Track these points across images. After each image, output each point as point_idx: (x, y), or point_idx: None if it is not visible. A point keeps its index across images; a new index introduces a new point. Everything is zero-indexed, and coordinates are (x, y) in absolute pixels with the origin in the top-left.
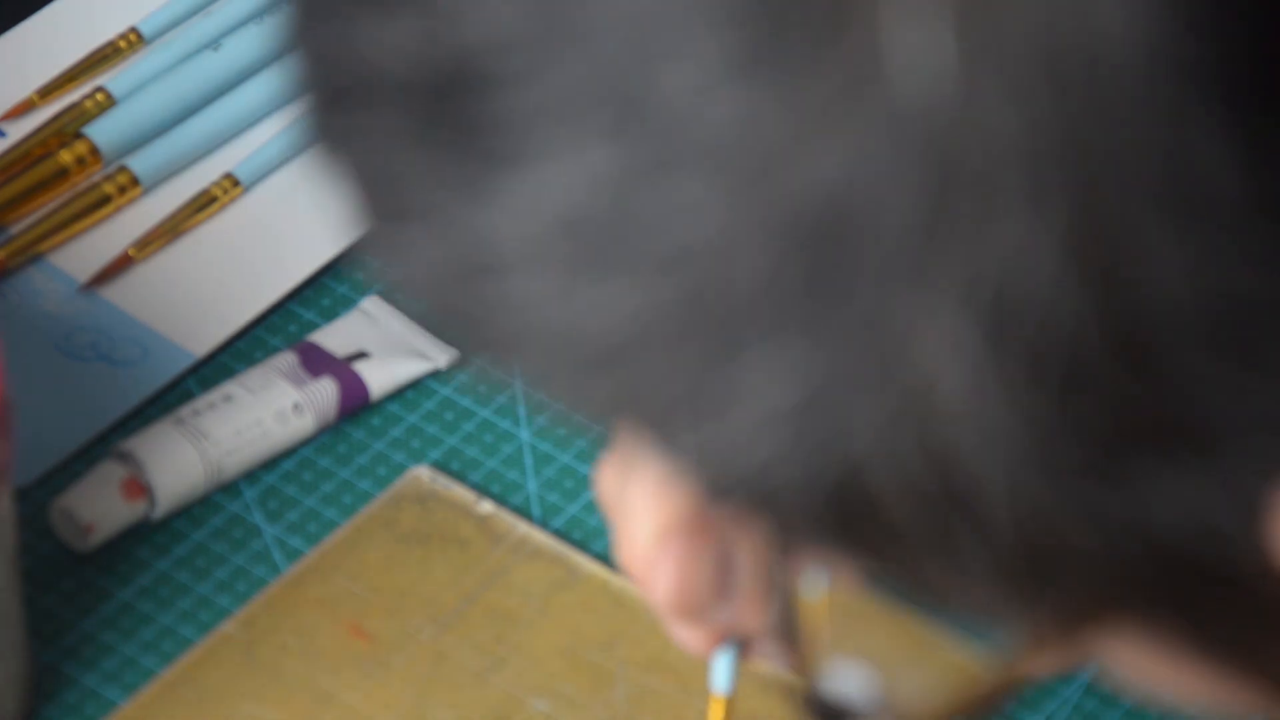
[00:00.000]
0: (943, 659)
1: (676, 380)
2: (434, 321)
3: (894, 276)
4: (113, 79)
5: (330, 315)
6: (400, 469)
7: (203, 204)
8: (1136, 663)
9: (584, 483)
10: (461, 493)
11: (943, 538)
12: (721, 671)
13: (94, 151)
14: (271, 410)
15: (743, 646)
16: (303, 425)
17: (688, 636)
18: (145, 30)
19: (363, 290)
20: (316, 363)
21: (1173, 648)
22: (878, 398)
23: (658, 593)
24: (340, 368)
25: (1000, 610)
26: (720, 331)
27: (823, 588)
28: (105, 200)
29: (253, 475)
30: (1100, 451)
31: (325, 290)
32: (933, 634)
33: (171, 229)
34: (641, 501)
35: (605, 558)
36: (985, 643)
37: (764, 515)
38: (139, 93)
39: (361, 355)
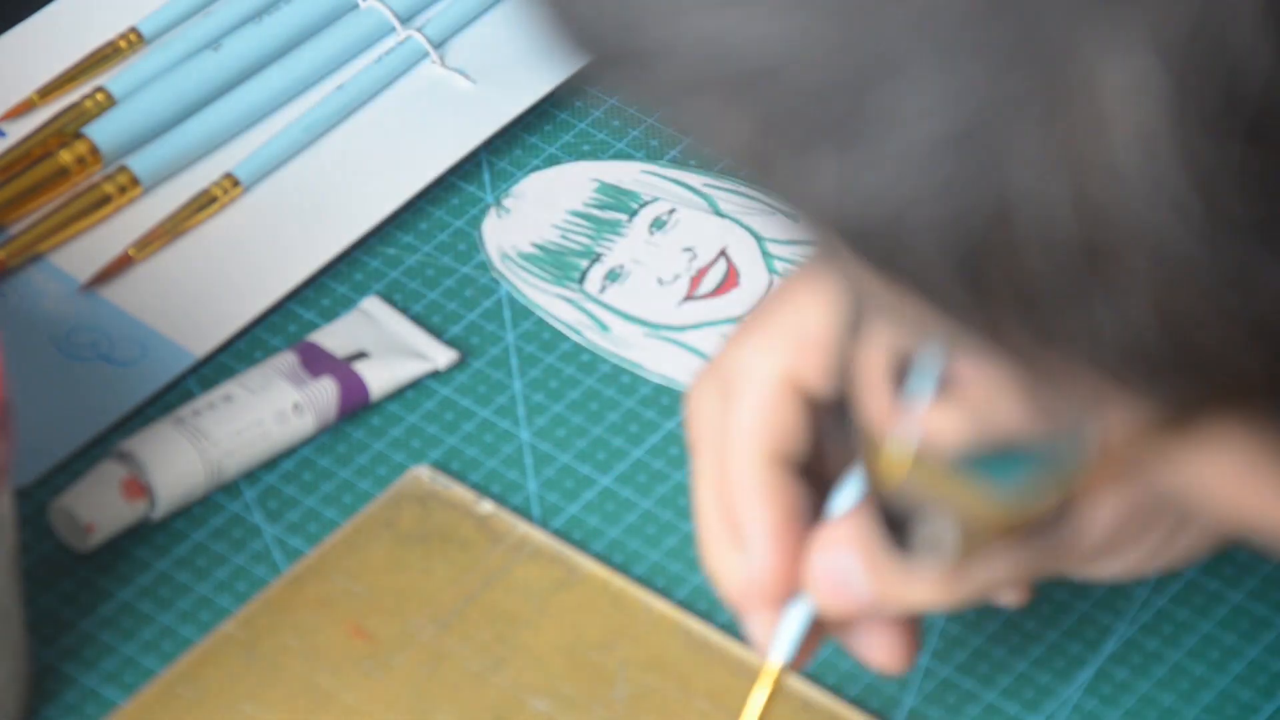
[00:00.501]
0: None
1: (827, 102)
2: (581, 25)
3: (1084, 4)
4: (113, 79)
5: (330, 315)
6: (400, 469)
7: (203, 204)
8: (1218, 481)
9: (584, 483)
10: (461, 493)
11: (1077, 301)
12: (788, 631)
13: (94, 151)
14: (271, 410)
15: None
16: (303, 425)
17: (771, 574)
18: (145, 30)
19: (363, 290)
20: (316, 363)
21: (1271, 464)
22: (1043, 134)
23: (754, 523)
24: (340, 368)
25: (1106, 399)
26: (881, 48)
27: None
28: (105, 200)
29: (253, 475)
30: (1267, 213)
31: (325, 290)
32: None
33: (171, 229)
34: (744, 422)
35: (605, 558)
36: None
37: (893, 269)
38: (139, 93)
39: (361, 355)
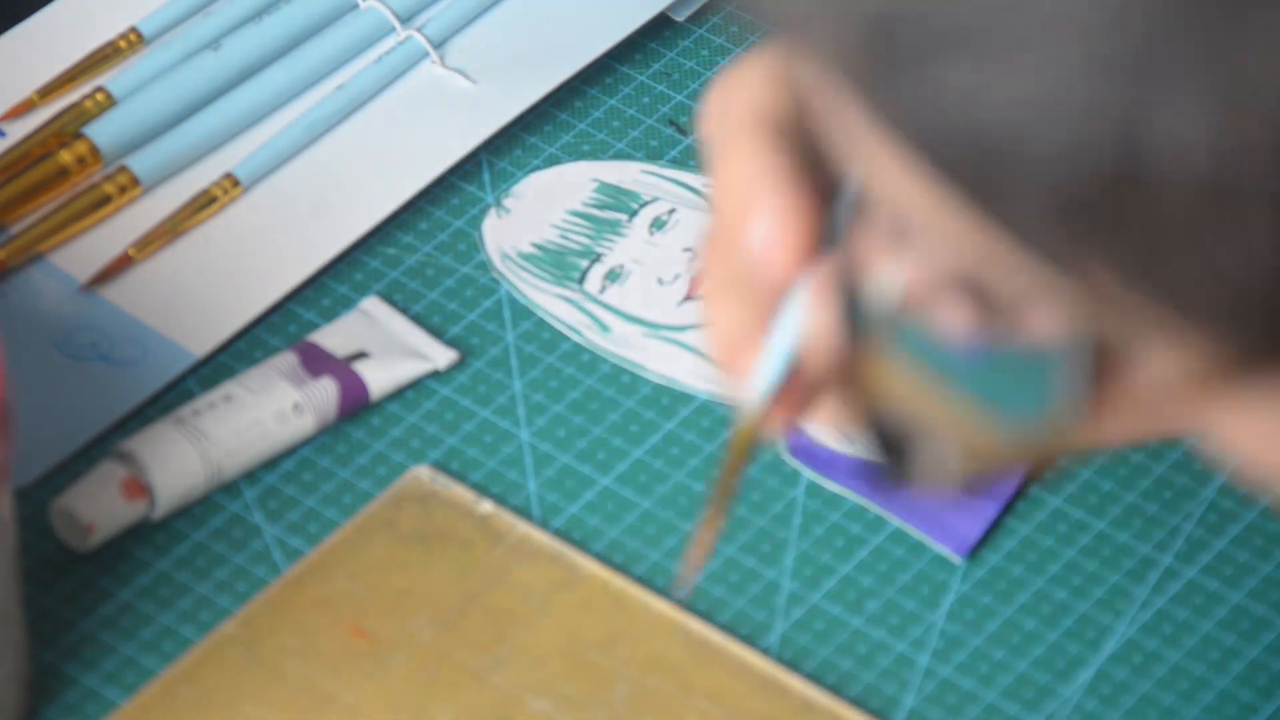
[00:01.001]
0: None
1: (966, 2)
2: None
3: None
4: (113, 79)
5: (330, 315)
6: (400, 469)
7: (203, 204)
8: (1250, 434)
9: (584, 483)
10: (461, 493)
11: (1188, 246)
12: (770, 361)
13: (94, 151)
14: (271, 410)
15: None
16: (303, 425)
17: (769, 277)
18: (145, 30)
19: (363, 290)
20: (316, 363)
21: None
22: (1202, 72)
23: (753, 236)
24: (340, 368)
25: (1170, 338)
26: None
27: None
28: (105, 200)
29: (253, 475)
30: None
31: (325, 290)
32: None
33: (171, 229)
34: (748, 130)
35: (605, 558)
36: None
37: (991, 196)
38: (139, 93)
39: (361, 355)
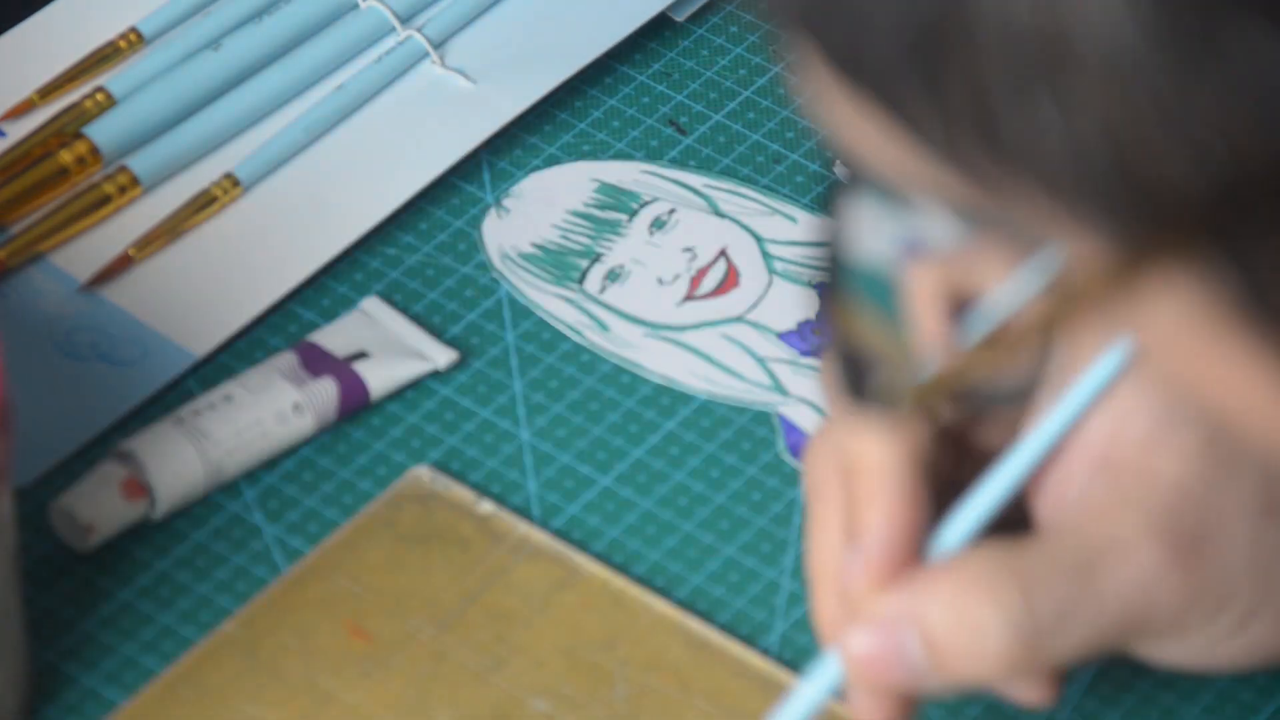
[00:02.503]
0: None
1: None
2: None
3: None
4: (113, 79)
5: (330, 315)
6: (400, 469)
7: (203, 204)
8: (1166, 335)
9: (584, 483)
10: (461, 493)
11: (1028, 104)
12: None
13: (94, 151)
14: (271, 410)
15: None
16: (303, 425)
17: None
18: (145, 30)
19: (363, 290)
20: (316, 363)
21: (1222, 320)
22: None
23: (874, 526)
24: (340, 368)
25: (1059, 229)
26: None
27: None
28: (105, 200)
29: (253, 475)
30: (1213, 22)
31: (325, 290)
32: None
33: (171, 229)
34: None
35: (605, 558)
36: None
37: (856, 71)
38: (139, 93)
39: (361, 355)
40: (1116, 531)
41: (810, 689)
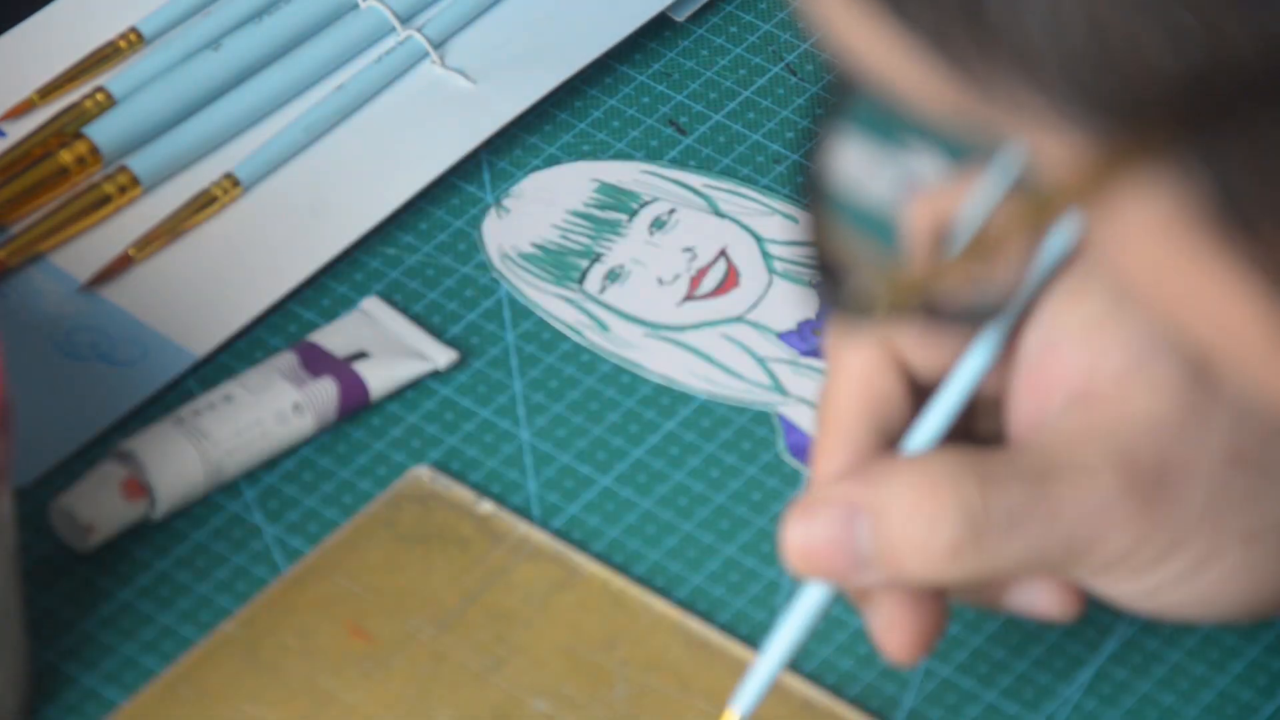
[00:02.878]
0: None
1: None
2: None
3: None
4: (113, 79)
5: (330, 315)
6: (400, 469)
7: (203, 204)
8: (1135, 245)
9: (584, 483)
10: (461, 493)
11: None
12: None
13: (94, 151)
14: (271, 410)
15: None
16: (303, 425)
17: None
18: (145, 30)
19: (363, 290)
20: (316, 363)
21: (1196, 230)
22: None
23: (822, 459)
24: (340, 368)
25: (1040, 124)
26: None
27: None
28: (105, 200)
29: (253, 475)
30: None
31: (325, 290)
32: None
33: (171, 229)
34: (839, 384)
35: (605, 558)
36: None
37: None
38: (139, 93)
39: (361, 355)
40: (1079, 456)
41: (797, 614)
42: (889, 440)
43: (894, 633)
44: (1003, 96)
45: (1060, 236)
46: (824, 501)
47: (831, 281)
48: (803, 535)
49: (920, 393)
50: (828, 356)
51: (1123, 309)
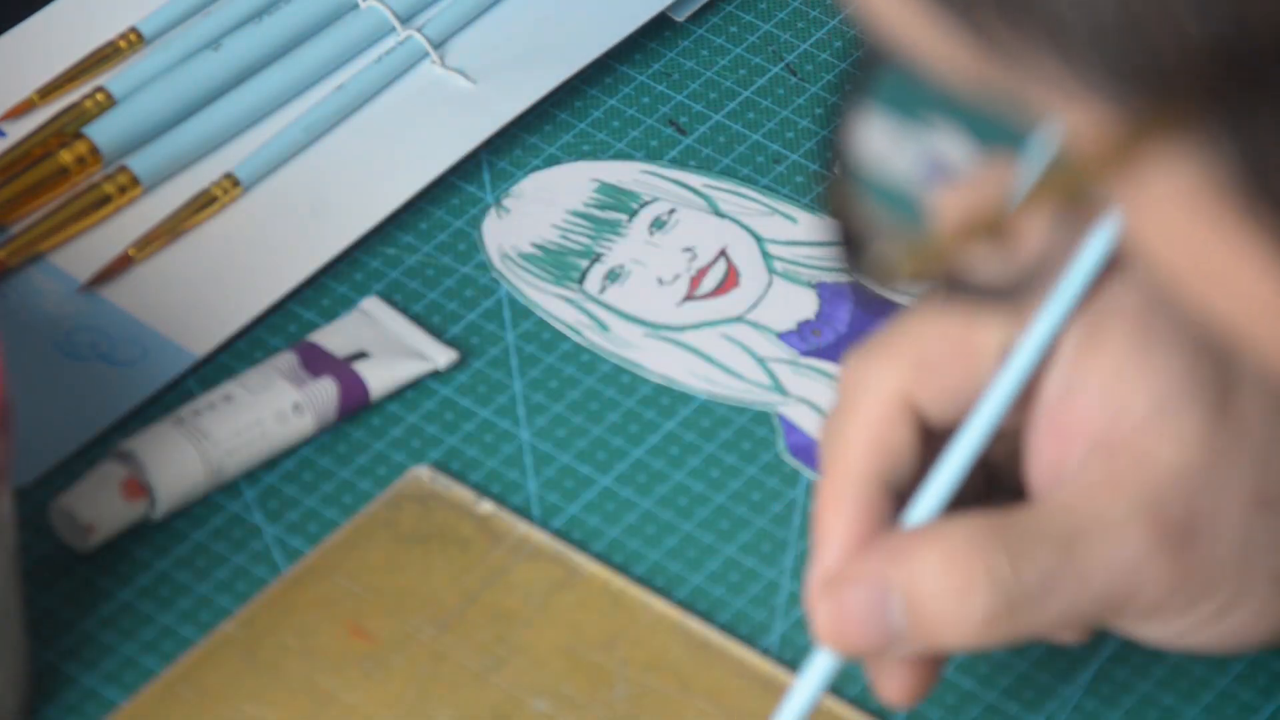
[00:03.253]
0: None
1: None
2: None
3: None
4: (113, 79)
5: (330, 315)
6: (400, 469)
7: (203, 204)
8: (1159, 219)
9: (584, 483)
10: (461, 493)
11: None
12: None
13: (94, 151)
14: (271, 410)
15: None
16: (303, 425)
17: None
18: (145, 30)
19: (363, 290)
20: (316, 363)
21: (1221, 204)
22: None
23: (827, 531)
24: (340, 368)
25: (1067, 97)
26: None
27: None
28: (105, 200)
29: (253, 475)
30: None
31: (325, 290)
32: None
33: (171, 229)
34: (850, 434)
35: (605, 558)
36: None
37: None
38: (139, 93)
39: (361, 355)
40: (1106, 511)
41: (811, 678)
42: (897, 493)
43: (894, 684)
44: (1029, 68)
45: (1092, 249)
46: (852, 580)
47: (853, 249)
48: (834, 614)
49: (931, 439)
50: (841, 387)
51: (1145, 355)
